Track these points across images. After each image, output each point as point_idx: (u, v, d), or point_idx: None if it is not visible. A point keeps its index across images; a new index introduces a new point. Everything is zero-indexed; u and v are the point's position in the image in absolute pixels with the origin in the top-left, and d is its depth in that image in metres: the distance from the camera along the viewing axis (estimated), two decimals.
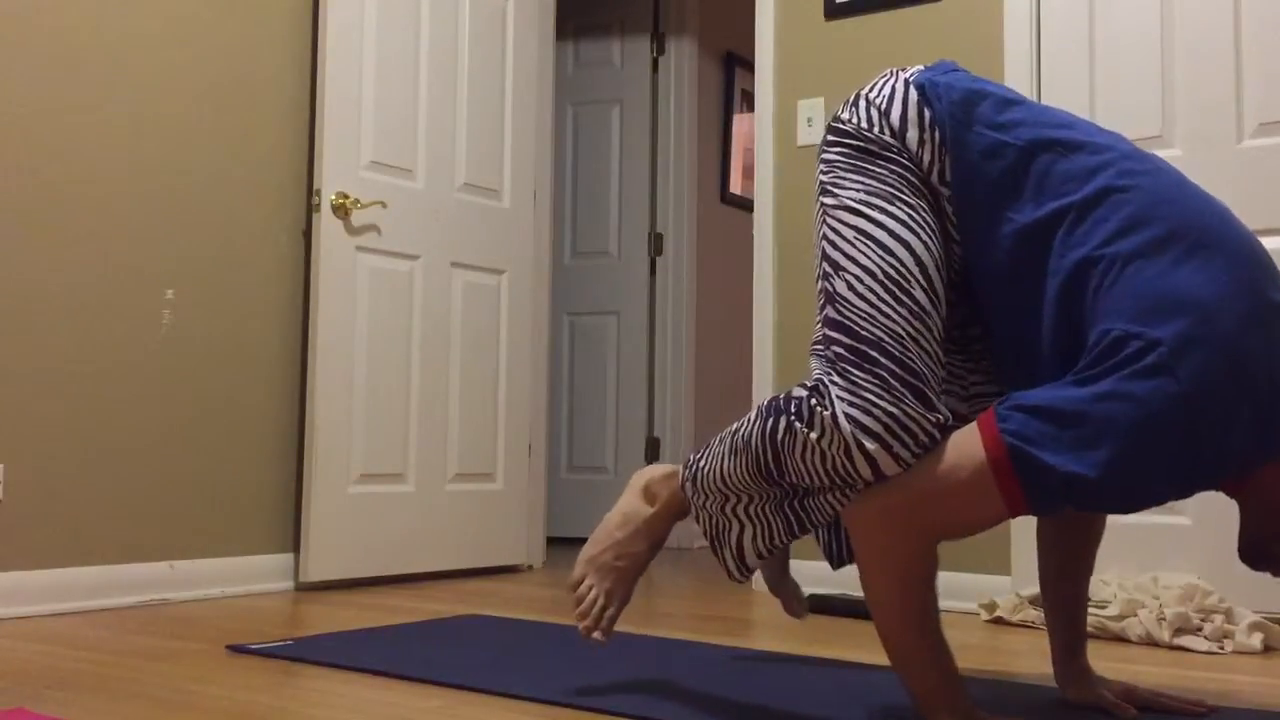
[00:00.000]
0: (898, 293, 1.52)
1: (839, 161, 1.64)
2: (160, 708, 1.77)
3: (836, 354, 1.53)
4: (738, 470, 1.65)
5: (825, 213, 1.63)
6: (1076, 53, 3.07)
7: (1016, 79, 3.13)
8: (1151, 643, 2.56)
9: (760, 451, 1.60)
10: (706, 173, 5.22)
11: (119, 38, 2.95)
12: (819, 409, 1.51)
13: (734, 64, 5.41)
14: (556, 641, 2.41)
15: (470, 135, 3.77)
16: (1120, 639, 2.61)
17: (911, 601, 1.53)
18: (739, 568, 1.74)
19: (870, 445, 1.47)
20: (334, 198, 3.32)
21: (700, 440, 5.06)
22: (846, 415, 1.48)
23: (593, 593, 1.85)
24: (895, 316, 1.51)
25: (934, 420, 1.47)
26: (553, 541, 4.88)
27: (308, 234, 3.38)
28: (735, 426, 1.69)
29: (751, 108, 5.41)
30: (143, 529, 2.95)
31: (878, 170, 1.60)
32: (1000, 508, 1.42)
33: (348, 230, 3.37)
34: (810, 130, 3.47)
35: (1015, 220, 1.55)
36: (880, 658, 2.31)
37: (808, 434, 1.52)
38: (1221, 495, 2.79)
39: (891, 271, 1.53)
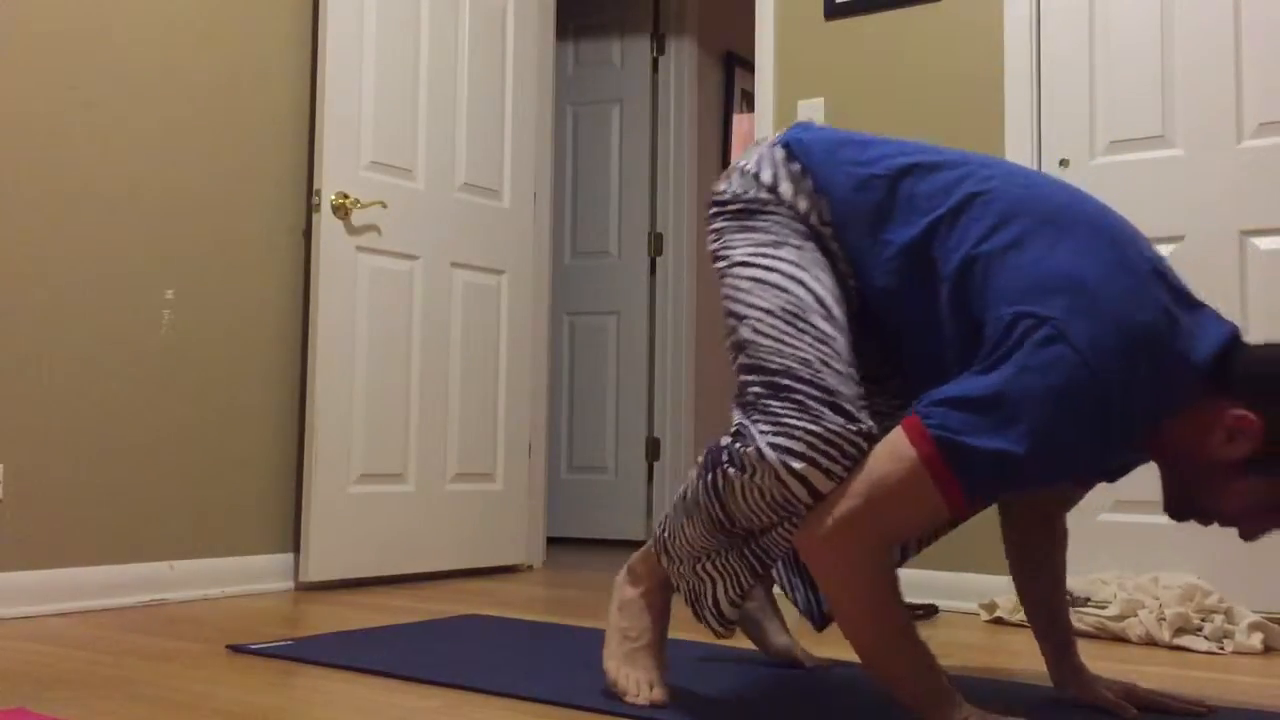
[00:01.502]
0: (798, 324, 1.60)
1: (725, 228, 1.75)
2: (160, 708, 1.77)
3: (754, 394, 1.59)
4: (696, 530, 1.71)
5: (721, 276, 1.72)
6: (1076, 53, 3.07)
7: (1016, 79, 3.13)
8: (1151, 643, 2.56)
9: (708, 506, 1.66)
10: (706, 173, 5.22)
11: (119, 38, 2.95)
12: (742, 449, 1.57)
13: (734, 64, 5.41)
14: (556, 641, 2.41)
15: (470, 135, 3.77)
16: (1120, 639, 2.61)
17: (884, 614, 1.54)
18: (719, 622, 1.79)
19: (798, 465, 1.51)
20: (334, 198, 3.32)
21: (701, 441, 5.06)
22: (770, 445, 1.53)
23: (629, 680, 1.82)
24: (800, 345, 1.59)
25: (856, 430, 1.52)
26: (553, 541, 4.88)
27: (308, 234, 3.38)
28: (683, 489, 1.75)
29: (751, 108, 5.41)
30: (143, 529, 2.95)
31: (761, 224, 1.71)
32: (940, 502, 1.47)
33: (348, 230, 3.37)
34: None
35: (894, 242, 1.65)
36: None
37: (740, 475, 1.58)
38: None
39: (789, 306, 1.62)
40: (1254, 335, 2.80)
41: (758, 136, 3.56)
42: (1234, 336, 1.55)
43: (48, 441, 2.77)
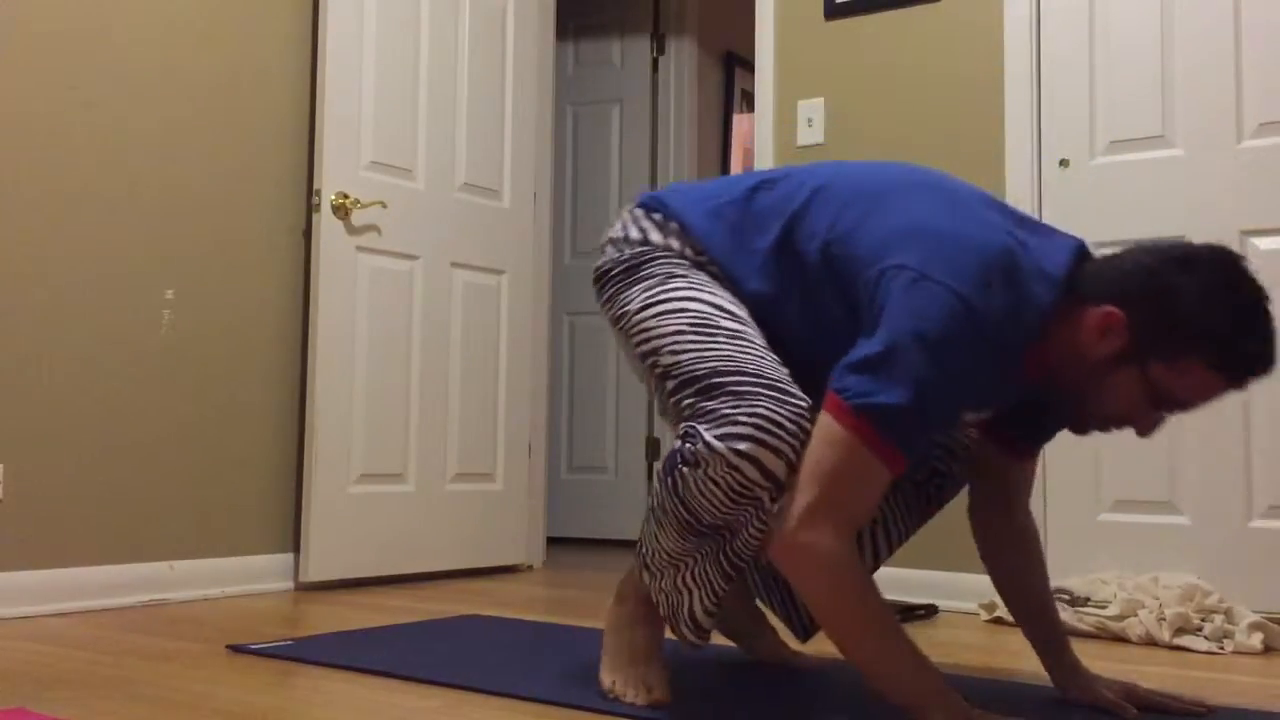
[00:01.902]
0: (708, 329, 1.71)
1: (613, 293, 1.87)
2: (160, 708, 1.77)
3: (689, 404, 1.66)
4: (668, 536, 1.74)
5: (626, 332, 1.82)
6: (1076, 53, 3.07)
7: (1016, 79, 3.13)
8: (1151, 643, 2.56)
9: (674, 511, 1.70)
10: (706, 173, 5.22)
11: (119, 38, 2.95)
12: (692, 447, 1.62)
13: (734, 64, 5.41)
14: (556, 641, 2.41)
15: (470, 135, 3.77)
16: (1120, 639, 2.61)
17: (867, 610, 1.56)
18: (695, 632, 1.81)
19: (744, 447, 1.57)
20: (334, 198, 3.32)
21: None
22: (715, 436, 1.59)
23: (627, 683, 1.83)
24: (716, 345, 1.68)
25: (793, 406, 1.60)
26: (553, 541, 4.88)
27: (308, 234, 3.38)
28: (650, 500, 1.79)
29: (751, 108, 5.42)
30: (143, 529, 2.95)
31: (645, 273, 1.84)
32: (880, 466, 1.55)
33: (348, 230, 3.37)
34: (810, 130, 3.47)
35: (761, 249, 1.79)
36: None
37: (694, 471, 1.63)
38: (1221, 497, 2.79)
39: (694, 320, 1.73)
40: None
41: (758, 137, 3.56)
42: (1082, 246, 1.69)
43: (48, 441, 2.77)
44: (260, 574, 3.22)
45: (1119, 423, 1.66)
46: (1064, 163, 3.06)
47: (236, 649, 2.27)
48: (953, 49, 3.26)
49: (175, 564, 3.02)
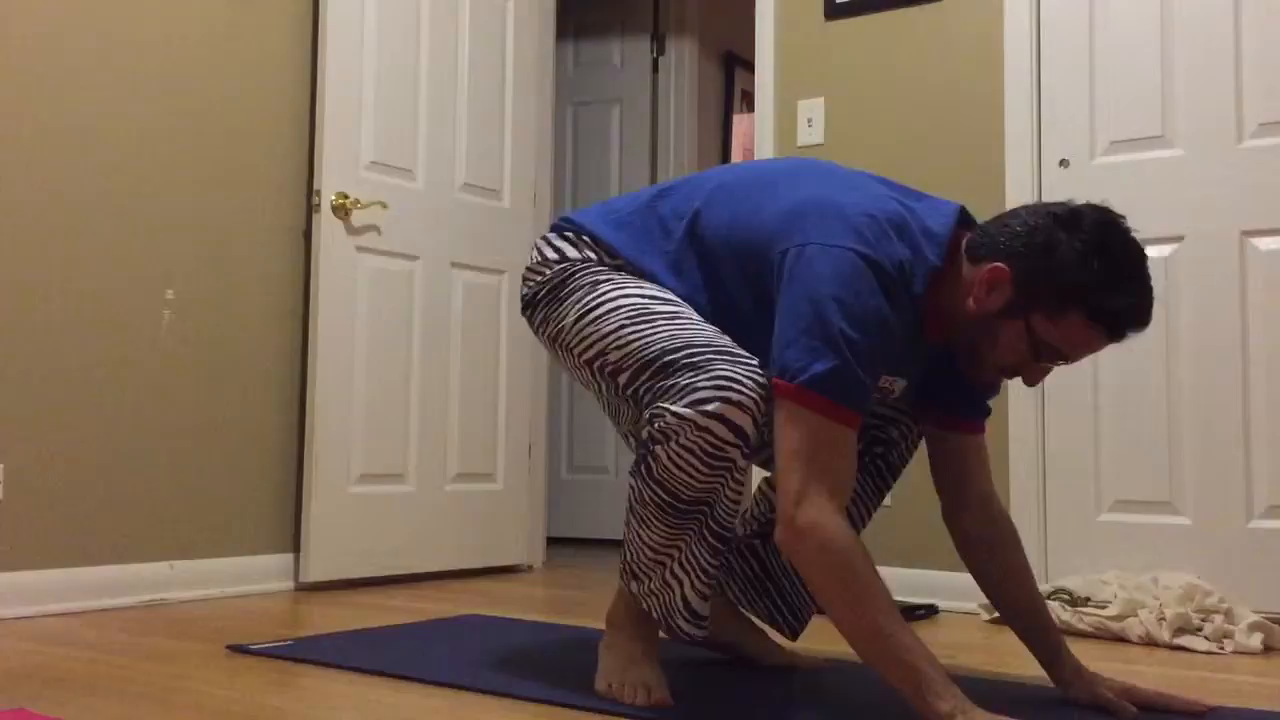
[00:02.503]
0: (644, 316, 1.79)
1: (545, 315, 1.93)
2: (160, 708, 1.77)
3: (648, 387, 1.74)
4: (651, 527, 1.77)
5: (565, 346, 1.90)
6: (1077, 52, 3.07)
7: (1017, 79, 3.13)
8: (1151, 643, 2.56)
9: (653, 498, 1.74)
10: None
11: (119, 39, 2.95)
12: (661, 425, 1.69)
13: (734, 64, 5.41)
14: (556, 641, 2.41)
15: (470, 135, 3.77)
16: (1120, 639, 2.61)
17: (871, 590, 1.59)
18: (692, 622, 1.83)
19: (711, 407, 1.65)
20: (334, 198, 3.32)
21: None
22: (682, 405, 1.67)
23: (625, 687, 1.83)
24: (660, 328, 1.76)
25: (746, 363, 1.69)
26: (553, 542, 4.88)
27: (308, 234, 3.38)
28: (628, 506, 1.82)
29: (751, 108, 5.42)
30: (143, 529, 2.95)
31: (570, 286, 1.90)
32: (845, 430, 1.64)
33: (348, 231, 3.37)
34: (810, 130, 3.47)
35: (669, 250, 1.88)
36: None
37: (666, 445, 1.69)
38: (1221, 497, 2.79)
39: (630, 311, 1.80)
40: (1255, 336, 2.80)
41: (758, 137, 3.56)
42: (963, 210, 1.81)
43: (48, 441, 2.77)
44: (260, 574, 3.22)
45: (1009, 372, 1.76)
46: (1064, 163, 3.06)
47: (236, 649, 2.27)
48: (953, 49, 3.26)
49: (175, 564, 3.02)
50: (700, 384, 1.66)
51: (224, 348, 3.16)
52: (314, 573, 3.24)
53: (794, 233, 1.72)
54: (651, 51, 5.08)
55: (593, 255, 1.93)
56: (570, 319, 1.88)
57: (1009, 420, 3.05)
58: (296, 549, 3.31)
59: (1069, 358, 1.71)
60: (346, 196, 3.34)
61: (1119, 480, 2.93)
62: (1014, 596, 1.92)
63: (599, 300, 1.85)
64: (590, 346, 1.84)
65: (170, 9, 3.06)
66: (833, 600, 1.61)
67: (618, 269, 1.91)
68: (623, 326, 1.79)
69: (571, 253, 1.94)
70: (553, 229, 2.01)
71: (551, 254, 1.96)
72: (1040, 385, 3.05)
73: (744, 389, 1.66)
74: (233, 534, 3.16)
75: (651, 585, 1.83)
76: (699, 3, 5.17)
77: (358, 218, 3.40)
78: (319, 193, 3.30)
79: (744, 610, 2.20)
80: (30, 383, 2.75)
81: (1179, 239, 2.90)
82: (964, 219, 1.82)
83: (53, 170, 2.81)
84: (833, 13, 3.46)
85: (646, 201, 1.95)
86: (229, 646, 2.29)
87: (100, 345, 2.88)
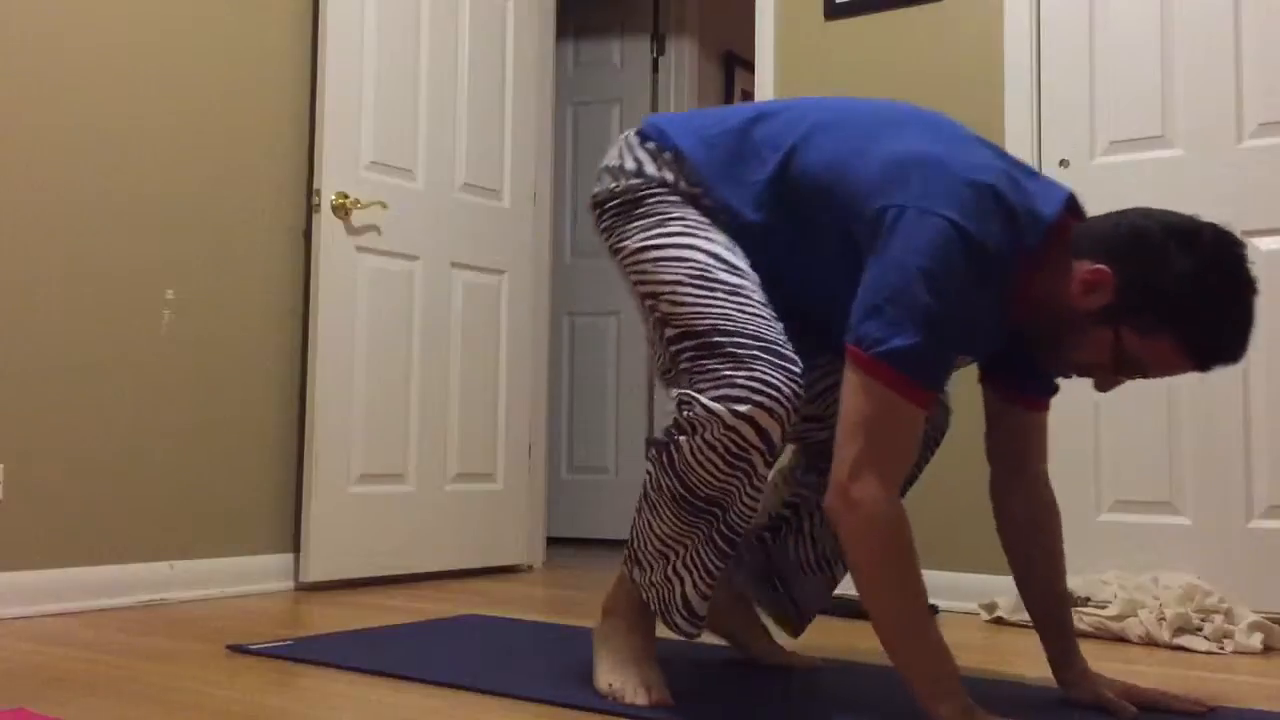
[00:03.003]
0: (708, 283, 1.73)
1: (611, 225, 1.88)
2: (160, 708, 1.77)
3: (690, 357, 1.71)
4: (662, 519, 1.76)
5: (624, 267, 1.86)
6: (1076, 52, 3.07)
7: (1017, 79, 3.13)
8: (1151, 643, 2.56)
9: (669, 487, 1.73)
10: None
11: (119, 38, 2.95)
12: (689, 414, 1.67)
13: (734, 64, 5.41)
14: (556, 641, 2.41)
15: (470, 135, 3.77)
16: (1120, 639, 2.61)
17: (907, 577, 1.57)
18: (689, 620, 1.82)
19: (742, 409, 1.62)
20: (334, 198, 3.32)
21: None
22: (713, 398, 1.64)
23: (626, 685, 1.82)
24: (716, 301, 1.71)
25: (789, 370, 1.65)
26: (553, 542, 4.88)
27: (308, 234, 3.38)
28: (642, 491, 1.81)
29: None
30: (143, 529, 2.95)
31: (642, 210, 1.84)
32: (913, 408, 1.58)
33: (348, 230, 3.37)
34: None
35: (759, 180, 1.80)
36: (878, 659, 2.31)
37: (691, 438, 1.67)
38: (1221, 496, 2.79)
39: (693, 271, 1.75)
40: (1255, 336, 2.80)
41: None
42: (1073, 196, 1.71)
43: (48, 441, 2.77)
44: (260, 574, 3.22)
45: (1082, 373, 1.71)
46: (1064, 163, 3.06)
47: (236, 649, 2.27)
48: (953, 49, 3.26)
49: (175, 564, 3.02)
50: (739, 379, 1.63)
51: (224, 348, 3.16)
52: (314, 573, 3.24)
53: (894, 189, 1.63)
54: (651, 51, 5.08)
55: (670, 177, 1.85)
56: (633, 245, 1.83)
57: None
58: (296, 549, 3.31)
59: (1148, 375, 1.65)
60: (346, 196, 3.34)
61: (1119, 480, 2.93)
62: (1044, 584, 1.89)
63: (665, 241, 1.79)
64: (645, 283, 1.80)
65: (170, 9, 3.06)
66: (868, 578, 1.59)
67: (693, 200, 1.83)
68: (681, 283, 1.74)
69: (650, 169, 1.86)
70: (639, 134, 1.92)
71: (630, 164, 1.88)
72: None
73: (779, 396, 1.63)
74: (233, 534, 3.16)
75: (653, 576, 1.82)
76: (699, 3, 5.17)
77: (358, 218, 3.40)
78: (319, 193, 3.30)
79: (752, 599, 2.19)
80: (30, 383, 2.75)
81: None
82: (1072, 206, 1.72)
83: (53, 170, 2.81)
84: (833, 13, 3.46)
85: (741, 124, 1.85)
86: (229, 646, 2.29)
87: (100, 345, 2.88)
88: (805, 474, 2.15)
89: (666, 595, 1.82)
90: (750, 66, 5.37)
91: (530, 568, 3.96)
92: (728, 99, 5.39)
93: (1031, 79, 3.12)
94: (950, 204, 1.59)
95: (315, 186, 3.31)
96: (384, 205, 3.44)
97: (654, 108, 5.05)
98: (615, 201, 1.88)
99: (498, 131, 3.88)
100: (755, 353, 1.65)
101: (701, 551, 1.77)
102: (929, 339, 1.56)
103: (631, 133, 1.93)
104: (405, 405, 3.52)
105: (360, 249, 3.40)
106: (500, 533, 3.81)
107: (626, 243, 1.84)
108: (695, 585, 1.79)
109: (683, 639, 1.88)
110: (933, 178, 1.62)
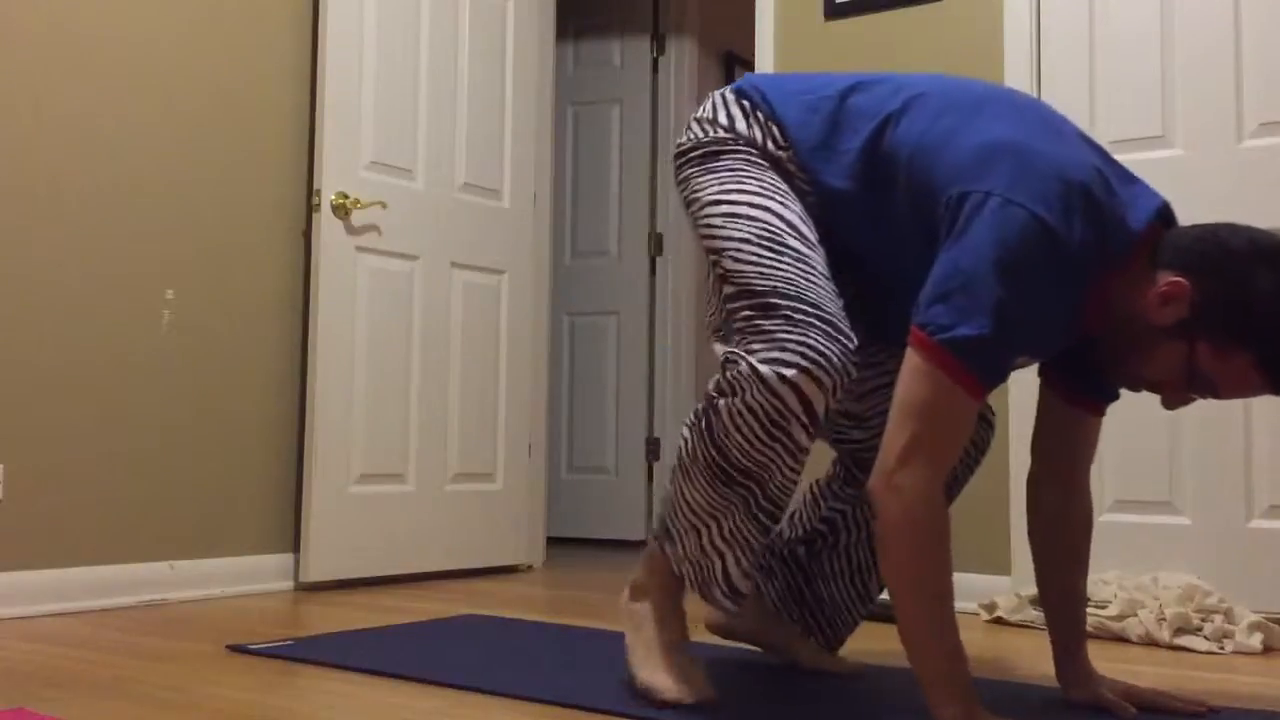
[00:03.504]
0: (775, 246, 1.70)
1: (689, 174, 1.86)
2: (160, 708, 1.77)
3: (745, 316, 1.67)
4: (697, 488, 1.73)
5: (694, 217, 1.83)
6: (1076, 53, 3.07)
7: (1016, 79, 3.13)
8: (1151, 643, 2.56)
9: (706, 455, 1.70)
10: None
11: (119, 39, 2.95)
12: (734, 374, 1.64)
13: (734, 64, 5.41)
14: (556, 641, 2.41)
15: (470, 135, 3.77)
16: (1120, 639, 2.61)
17: (934, 570, 1.54)
18: (730, 597, 1.79)
19: (789, 373, 1.59)
20: (334, 198, 3.32)
21: None
22: (762, 360, 1.62)
23: (665, 681, 1.79)
24: (781, 265, 1.68)
25: (843, 344, 1.63)
26: (553, 541, 4.88)
27: (308, 234, 3.38)
28: (676, 458, 1.79)
29: None
30: (143, 529, 2.95)
31: (722, 164, 1.82)
32: (966, 398, 1.54)
33: (348, 230, 3.37)
34: None
35: (851, 149, 1.76)
36: (883, 660, 2.31)
37: (732, 400, 1.65)
38: (1221, 496, 2.79)
39: (763, 232, 1.72)
40: None
41: None
42: (1166, 206, 1.66)
43: (48, 441, 2.77)
44: (260, 574, 3.22)
45: (1151, 388, 1.67)
46: None
47: (236, 649, 2.27)
48: (953, 49, 3.26)
49: (175, 564, 3.02)
50: (790, 343, 1.60)
51: (224, 347, 3.16)
52: (314, 572, 3.24)
53: (982, 175, 1.58)
54: (651, 51, 5.08)
55: (759, 137, 1.82)
56: (706, 196, 1.81)
57: (1010, 418, 3.05)
58: (296, 549, 3.31)
59: (1219, 395, 1.61)
60: (346, 196, 3.34)
61: (1119, 480, 2.93)
62: (1065, 580, 1.87)
63: (738, 198, 1.77)
64: (713, 238, 1.77)
65: (170, 9, 3.06)
66: (897, 569, 1.56)
67: (777, 164, 1.81)
68: (749, 241, 1.72)
69: (741, 125, 1.84)
70: (736, 90, 1.89)
71: (723, 118, 1.86)
72: (1040, 384, 3.04)
73: (828, 366, 1.60)
74: (233, 534, 3.16)
75: (688, 551, 1.78)
76: (699, 3, 5.17)
77: (358, 218, 3.40)
78: (319, 193, 3.30)
79: (782, 616, 2.15)
80: (30, 383, 2.75)
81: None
82: (1164, 215, 1.67)
83: (52, 170, 2.81)
84: (833, 13, 3.46)
85: (839, 91, 1.81)
86: (229, 646, 2.29)
87: (100, 345, 2.88)
88: (843, 487, 2.13)
89: (706, 571, 1.78)
90: (750, 66, 5.37)
91: (530, 568, 3.96)
92: None
93: (1031, 79, 3.12)
94: (1037, 197, 1.54)
95: (315, 186, 3.31)
96: (384, 205, 3.44)
97: (654, 108, 5.05)
98: (698, 152, 1.85)
99: (498, 131, 3.88)
100: (812, 320, 1.62)
101: (742, 525, 1.73)
102: (995, 332, 1.51)
103: (729, 91, 1.90)
104: (405, 405, 3.52)
105: (360, 249, 3.40)
106: (500, 532, 3.81)
107: (700, 194, 1.82)
108: (737, 560, 1.75)
109: (718, 636, 1.86)
110: (1024, 168, 1.57)
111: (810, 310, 1.63)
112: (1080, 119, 3.05)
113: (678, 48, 5.08)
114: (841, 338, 1.63)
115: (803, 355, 1.59)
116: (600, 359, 5.05)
